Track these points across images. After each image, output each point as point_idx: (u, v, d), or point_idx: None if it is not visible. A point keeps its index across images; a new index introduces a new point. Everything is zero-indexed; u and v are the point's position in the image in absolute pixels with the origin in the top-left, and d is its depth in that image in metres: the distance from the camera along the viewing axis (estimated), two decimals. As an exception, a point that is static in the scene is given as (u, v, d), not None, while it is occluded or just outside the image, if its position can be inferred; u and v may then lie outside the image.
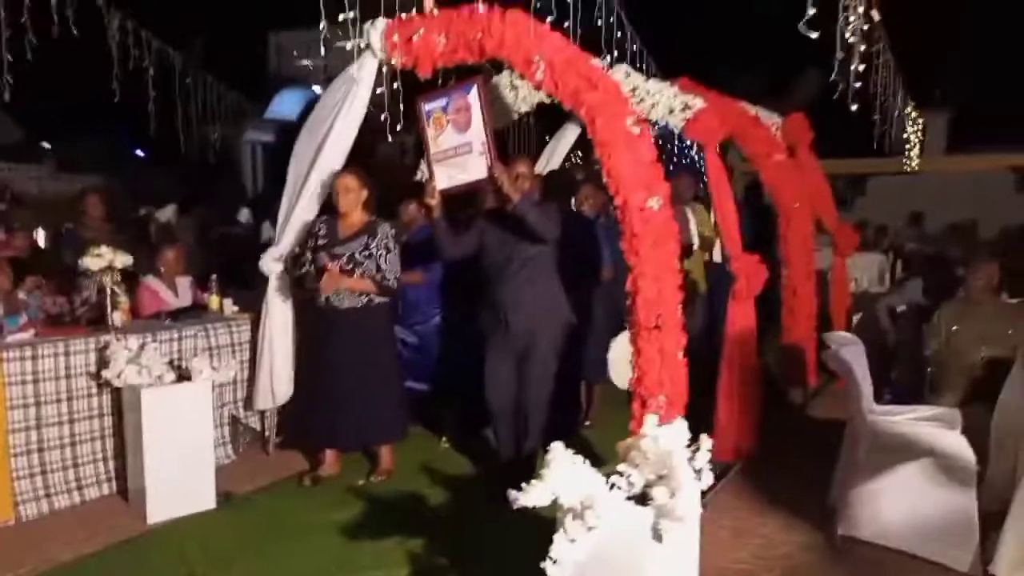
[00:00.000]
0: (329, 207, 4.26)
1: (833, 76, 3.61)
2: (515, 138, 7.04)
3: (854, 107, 4.37)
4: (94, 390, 4.08)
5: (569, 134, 6.31)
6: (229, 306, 4.91)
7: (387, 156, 5.46)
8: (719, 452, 4.47)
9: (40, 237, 8.31)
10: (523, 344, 3.99)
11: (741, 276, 4.56)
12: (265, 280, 4.53)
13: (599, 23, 5.39)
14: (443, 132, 3.92)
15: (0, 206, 9.75)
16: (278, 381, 4.53)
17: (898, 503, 3.34)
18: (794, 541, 3.61)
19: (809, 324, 5.64)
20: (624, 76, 4.94)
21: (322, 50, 3.31)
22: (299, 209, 4.40)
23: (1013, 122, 11.95)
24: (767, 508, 3.95)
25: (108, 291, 4.42)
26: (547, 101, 4.98)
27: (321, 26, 3.21)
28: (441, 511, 3.96)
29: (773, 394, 5.58)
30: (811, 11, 3.11)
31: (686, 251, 5.72)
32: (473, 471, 4.48)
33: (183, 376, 4.04)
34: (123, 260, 4.52)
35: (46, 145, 14.86)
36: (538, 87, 3.87)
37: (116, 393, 4.07)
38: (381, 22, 4.07)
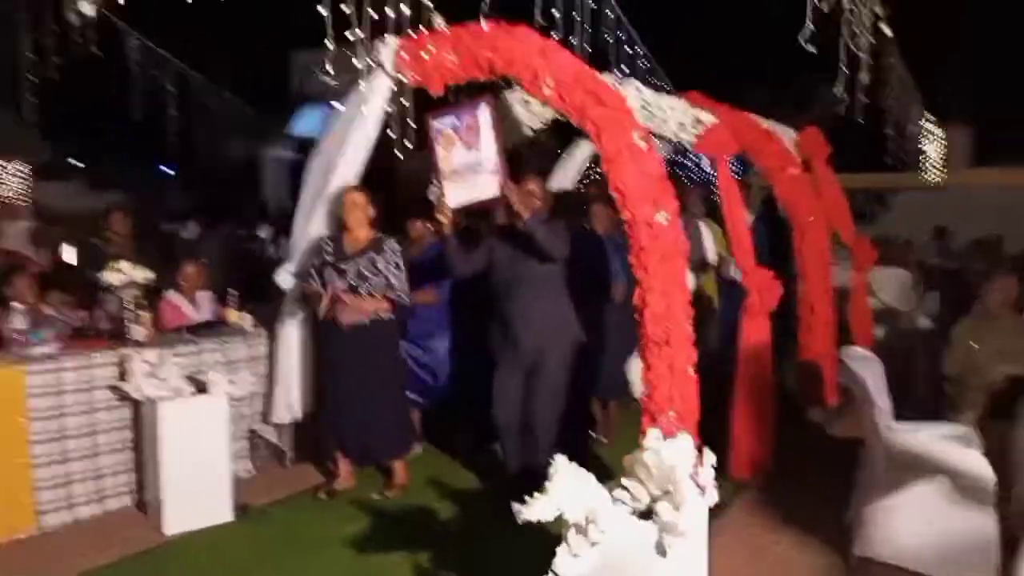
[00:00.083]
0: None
1: (839, 90, 3.60)
2: (528, 154, 7.08)
3: (861, 120, 4.34)
4: (116, 402, 4.16)
5: (583, 150, 6.33)
6: (247, 320, 4.98)
7: (409, 173, 5.51)
8: (735, 468, 4.49)
9: (68, 253, 8.49)
10: (532, 361, 4.01)
11: (754, 291, 4.54)
12: (283, 294, 4.60)
13: (608, 39, 5.42)
14: (453, 150, 3.97)
15: (30, 223, 9.99)
16: (294, 395, 4.60)
17: (914, 522, 3.29)
18: (808, 560, 3.57)
19: (827, 340, 5.58)
20: (635, 91, 4.95)
21: (330, 68, 3.35)
22: (314, 224, 4.47)
23: (1040, 136, 11.78)
24: (781, 526, 3.91)
25: (129, 305, 4.51)
26: (561, 117, 5.03)
27: (329, 45, 3.26)
28: (450, 525, 3.98)
29: (792, 412, 5.54)
30: (809, 26, 3.12)
31: (701, 266, 5.73)
32: (482, 486, 4.50)
33: (201, 389, 4.11)
34: (144, 275, 4.62)
35: (76, 163, 15.22)
36: (546, 103, 3.93)
37: (137, 406, 4.15)
38: (392, 40, 4.14)
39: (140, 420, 4.12)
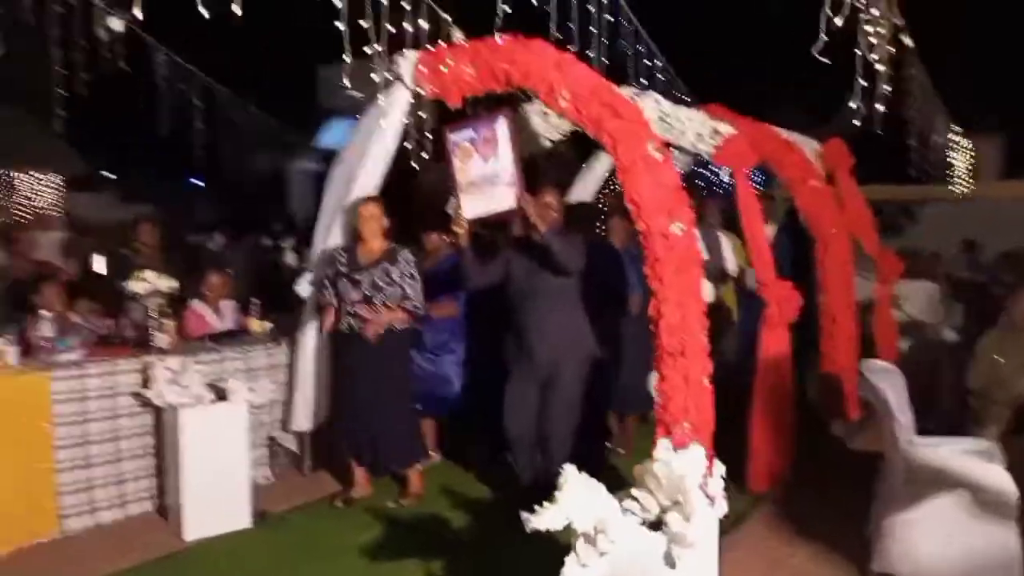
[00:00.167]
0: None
1: (856, 102, 3.58)
2: (547, 166, 7.10)
3: (879, 132, 4.31)
4: (138, 409, 4.23)
5: (603, 162, 6.34)
6: (268, 329, 5.04)
7: (428, 184, 5.56)
8: (752, 481, 4.45)
9: (99, 263, 8.67)
10: (546, 373, 4.02)
11: (773, 302, 4.51)
12: (303, 304, 4.66)
13: (627, 52, 5.44)
14: (470, 162, 4.00)
15: (62, 234, 10.21)
16: (313, 403, 4.65)
17: (934, 537, 3.23)
18: (824, 575, 3.52)
19: (849, 353, 5.50)
20: (653, 103, 4.97)
21: (347, 82, 3.41)
22: (334, 235, 4.53)
23: (1073, 146, 11.57)
24: (798, 540, 3.86)
25: (153, 314, 4.60)
26: (578, 129, 5.05)
27: (347, 59, 3.32)
28: (463, 535, 4.00)
29: (814, 424, 5.47)
30: (823, 38, 3.11)
31: (720, 277, 5.70)
32: (496, 496, 4.51)
33: (221, 397, 4.17)
34: (167, 284, 4.71)
35: (108, 175, 15.56)
36: (563, 115, 3.95)
37: (159, 412, 4.22)
38: (411, 53, 4.20)
39: (162, 426, 4.19)
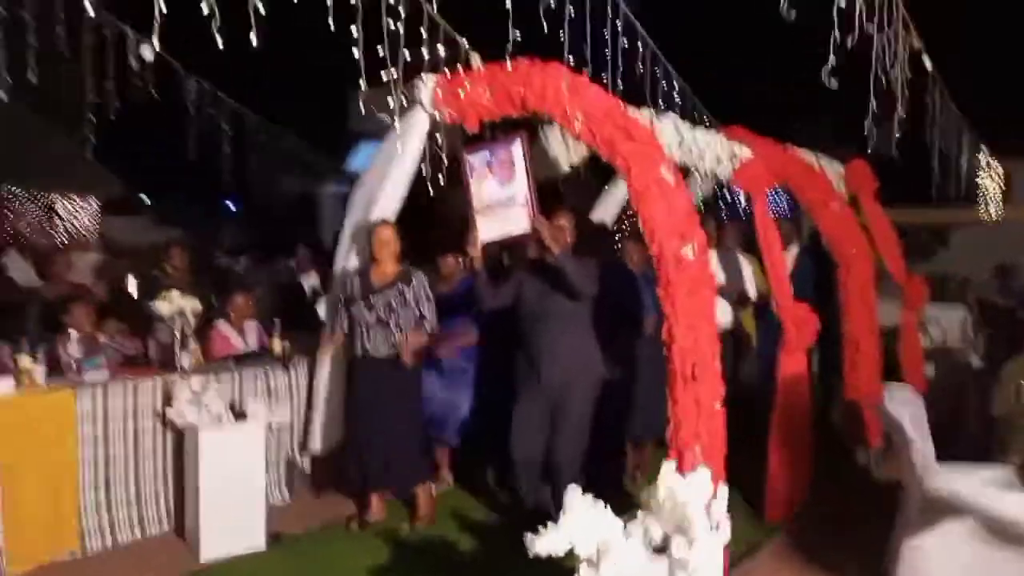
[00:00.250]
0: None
1: (870, 125, 3.56)
2: (565, 189, 7.13)
3: (894, 156, 4.28)
4: (159, 429, 4.31)
5: (623, 187, 6.34)
6: (289, 350, 5.10)
7: (449, 208, 5.64)
8: (770, 508, 4.38)
9: (131, 285, 8.88)
10: (556, 396, 4.01)
11: (791, 326, 4.46)
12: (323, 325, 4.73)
13: (644, 74, 5.46)
14: (486, 184, 4.04)
15: (98, 256, 10.47)
16: (330, 425, 4.68)
17: (950, 567, 3.16)
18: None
19: (873, 379, 5.41)
20: (671, 126, 4.97)
21: (361, 108, 3.48)
22: (354, 257, 4.60)
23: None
24: (812, 570, 3.78)
25: (177, 335, 4.69)
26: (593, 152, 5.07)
27: (362, 85, 3.39)
28: (471, 558, 3.99)
29: (837, 451, 5.38)
30: (832, 60, 3.11)
31: (740, 300, 5.65)
32: (504, 519, 4.49)
33: (241, 417, 4.23)
34: (192, 306, 4.80)
35: (145, 199, 15.93)
36: (577, 138, 3.98)
37: (178, 433, 4.29)
38: (430, 78, 4.27)
39: (182, 447, 4.25)
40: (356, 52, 3.40)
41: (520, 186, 3.98)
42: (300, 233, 12.40)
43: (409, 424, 4.29)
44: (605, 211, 6.39)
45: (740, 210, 8.33)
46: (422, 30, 3.89)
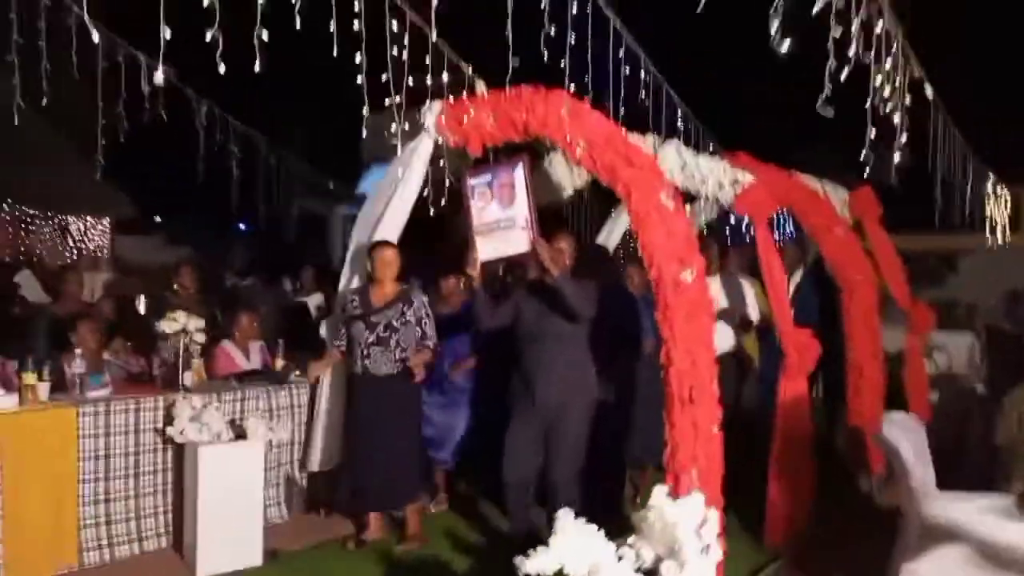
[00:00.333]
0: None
1: (866, 154, 3.58)
2: (569, 213, 7.20)
3: (894, 183, 4.30)
4: (159, 446, 4.34)
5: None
6: (290, 369, 5.14)
7: (457, 227, 5.71)
8: (770, 532, 4.35)
9: (141, 304, 8.97)
10: (551, 417, 4.01)
11: (792, 351, 4.46)
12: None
13: (647, 100, 5.53)
14: (487, 206, 4.09)
15: (109, 275, 10.60)
16: (331, 443, 4.70)
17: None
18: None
19: (876, 405, 5.38)
20: (674, 152, 5.02)
21: (364, 132, 3.56)
22: (356, 277, 4.65)
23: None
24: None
25: (181, 353, 4.74)
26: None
27: (364, 111, 3.47)
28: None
29: (840, 477, 5.34)
30: (828, 89, 3.14)
31: (743, 324, 5.66)
32: (498, 540, 4.47)
33: (240, 435, 4.26)
34: (196, 325, 4.86)
35: (157, 219, 16.13)
36: (579, 163, 4.03)
37: (178, 449, 4.32)
38: (436, 104, 4.35)
39: (182, 463, 4.28)
40: (359, 78, 3.48)
41: (521, 209, 4.02)
42: (310, 254, 12.52)
43: (407, 443, 4.30)
44: (609, 236, 6.42)
45: (745, 235, 8.35)
46: (427, 58, 3.98)
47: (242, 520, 4.10)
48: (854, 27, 3.22)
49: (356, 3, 3.35)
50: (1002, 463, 4.21)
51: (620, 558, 2.47)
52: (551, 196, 5.49)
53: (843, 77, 3.16)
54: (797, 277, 6.09)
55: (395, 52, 3.70)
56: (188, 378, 4.70)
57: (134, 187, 13.08)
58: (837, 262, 5.40)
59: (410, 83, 3.80)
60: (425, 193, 4.68)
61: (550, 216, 4.92)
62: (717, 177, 4.94)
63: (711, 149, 6.24)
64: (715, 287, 5.64)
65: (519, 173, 4.07)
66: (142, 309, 8.90)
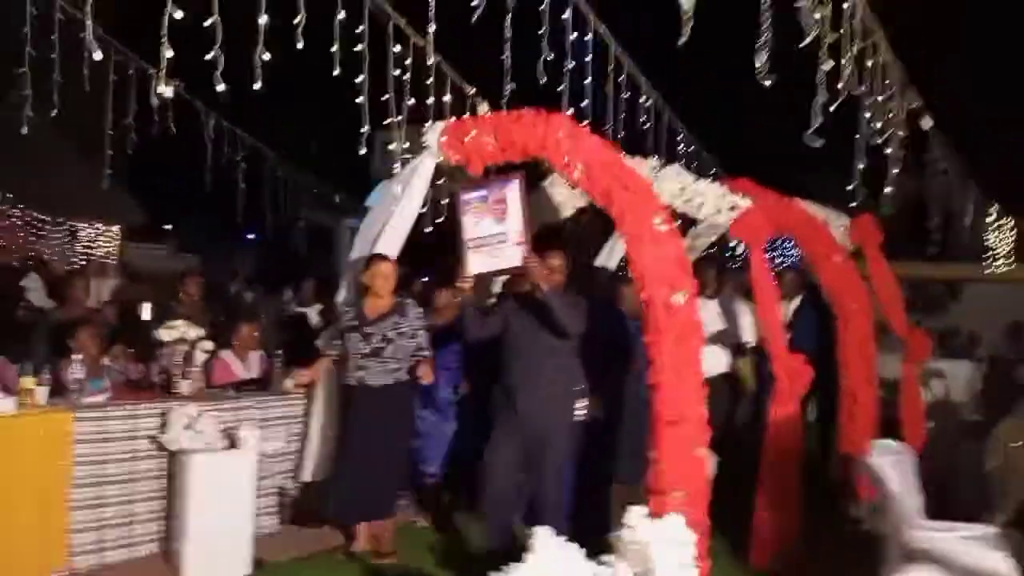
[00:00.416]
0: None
1: (856, 184, 3.62)
2: (568, 233, 7.23)
3: (885, 213, 4.34)
4: (154, 452, 4.37)
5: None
6: (286, 380, 5.18)
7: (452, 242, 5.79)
8: (756, 554, 4.36)
9: (146, 311, 9.05)
10: (536, 431, 4.02)
11: (783, 376, 4.49)
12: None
13: (647, 126, 5.60)
14: (481, 221, 4.16)
15: (116, 281, 10.69)
16: (324, 454, 4.74)
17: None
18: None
19: (869, 432, 5.37)
20: (674, 176, 5.06)
21: (363, 149, 3.63)
22: (354, 289, 4.70)
23: None
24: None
25: (178, 361, 4.79)
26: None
27: (365, 129, 3.54)
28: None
29: (832, 503, 5.33)
30: (819, 120, 3.19)
31: (737, 348, 5.68)
32: (484, 555, 4.43)
33: (234, 445, 4.30)
34: (195, 333, 4.92)
35: (167, 228, 16.28)
36: (575, 186, 4.09)
37: (173, 456, 4.35)
38: (439, 125, 4.45)
39: (174, 471, 4.32)
40: (360, 99, 3.56)
41: (514, 224, 4.09)
42: (316, 266, 12.61)
43: (396, 455, 4.34)
44: (609, 257, 6.46)
45: (742, 259, 8.40)
46: (429, 80, 4.08)
47: (231, 529, 4.13)
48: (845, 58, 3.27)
49: (361, 25, 3.44)
50: (989, 494, 4.23)
51: (596, 577, 2.50)
52: (551, 216, 5.54)
53: (835, 108, 3.21)
54: (797, 302, 6.12)
55: (397, 72, 3.79)
56: (184, 386, 4.74)
57: (145, 195, 13.24)
58: (834, 290, 5.42)
59: (412, 101, 3.88)
60: (427, 210, 4.75)
61: (549, 235, 4.97)
62: (715, 202, 4.98)
63: (712, 172, 6.27)
64: (713, 310, 5.67)
65: (514, 190, 4.14)
66: (146, 316, 8.98)
